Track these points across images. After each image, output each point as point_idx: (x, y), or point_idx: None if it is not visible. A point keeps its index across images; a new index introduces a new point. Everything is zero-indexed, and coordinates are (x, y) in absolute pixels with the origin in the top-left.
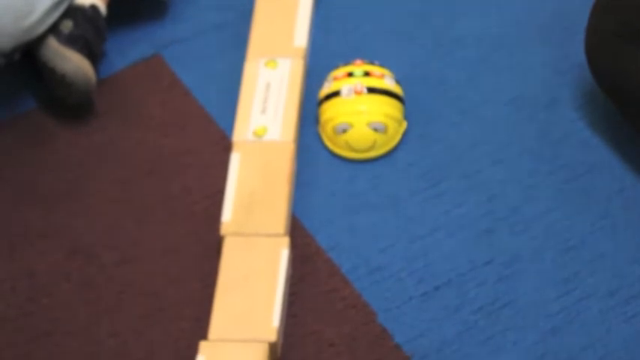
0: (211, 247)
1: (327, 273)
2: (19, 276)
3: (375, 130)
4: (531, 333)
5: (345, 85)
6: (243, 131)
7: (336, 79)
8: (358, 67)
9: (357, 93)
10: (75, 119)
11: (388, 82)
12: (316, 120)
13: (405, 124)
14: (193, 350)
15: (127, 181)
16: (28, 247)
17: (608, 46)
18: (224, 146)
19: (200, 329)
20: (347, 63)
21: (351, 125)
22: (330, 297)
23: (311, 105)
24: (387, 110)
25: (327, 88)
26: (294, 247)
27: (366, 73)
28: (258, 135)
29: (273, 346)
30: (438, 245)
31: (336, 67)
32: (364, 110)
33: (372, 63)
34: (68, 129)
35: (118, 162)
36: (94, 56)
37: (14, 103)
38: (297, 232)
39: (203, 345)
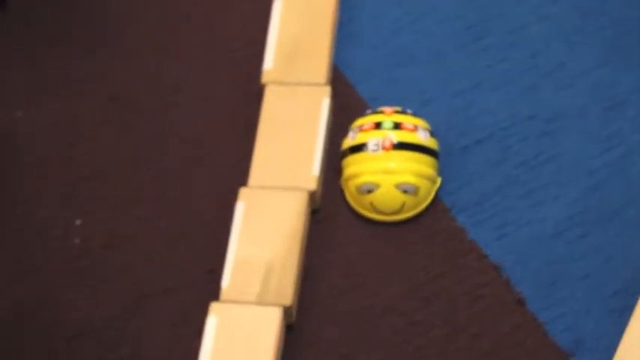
0: (252, 95)
1: None
2: (58, 121)
3: (405, 192)
4: (573, 188)
5: (372, 139)
6: None
7: (362, 130)
8: (388, 117)
9: (386, 149)
10: None
11: (421, 136)
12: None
13: (439, 181)
14: (233, 196)
15: (167, 27)
16: (67, 92)
17: None
18: None
19: (240, 176)
20: (375, 111)
21: (377, 186)
22: None
23: None
24: (418, 169)
25: (351, 139)
26: (335, 97)
27: (397, 125)
28: None
29: (312, 195)
30: (480, 99)
31: (363, 114)
32: (393, 169)
33: (404, 112)
34: None
35: (158, 7)
36: None
37: None
38: (339, 82)
39: (243, 191)
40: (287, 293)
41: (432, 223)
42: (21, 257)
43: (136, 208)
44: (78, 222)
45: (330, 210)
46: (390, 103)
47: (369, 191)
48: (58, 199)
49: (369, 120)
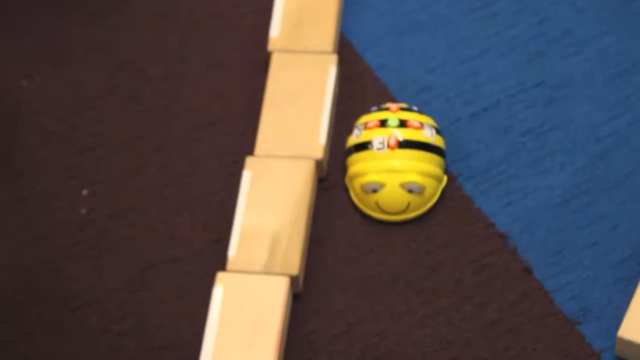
0: (258, 63)
1: (375, 92)
2: (64, 89)
3: (410, 191)
4: (579, 156)
5: (377, 137)
6: None
7: (367, 127)
8: (393, 115)
9: (391, 147)
10: None
11: (427, 134)
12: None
13: (445, 180)
14: (239, 165)
15: None
16: (72, 61)
17: None
18: None
19: (246, 145)
20: (380, 108)
21: (382, 185)
22: None
23: None
24: (424, 168)
25: (356, 137)
26: (342, 65)
27: (402, 123)
28: None
29: (319, 163)
30: (487, 66)
31: (368, 111)
32: (398, 168)
33: (409, 109)
34: None
35: None
36: None
37: None
38: (345, 50)
39: (249, 160)
40: (294, 262)
41: None
42: (26, 227)
43: (141, 178)
44: (84, 192)
45: (336, 179)
46: (396, 71)
47: (374, 191)
48: (63, 169)
49: (374, 117)
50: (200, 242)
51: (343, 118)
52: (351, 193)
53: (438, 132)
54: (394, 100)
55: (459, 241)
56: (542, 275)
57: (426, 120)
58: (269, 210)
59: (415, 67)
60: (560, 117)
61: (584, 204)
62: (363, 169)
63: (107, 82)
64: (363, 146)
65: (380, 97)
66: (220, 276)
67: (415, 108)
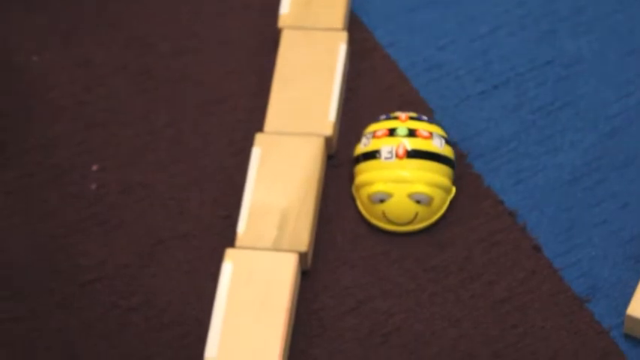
0: (268, 40)
1: (385, 69)
2: (74, 66)
3: (418, 202)
4: (590, 134)
5: (386, 146)
6: None
7: (375, 136)
8: (402, 124)
9: (399, 157)
10: None
11: (436, 144)
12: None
13: (453, 191)
14: (249, 142)
15: None
16: (82, 37)
17: None
18: None
19: (256, 121)
20: (389, 117)
21: (389, 195)
22: (388, 93)
23: None
24: (432, 178)
25: (364, 146)
26: (352, 42)
27: (411, 132)
28: None
29: (328, 141)
30: (498, 44)
31: (376, 120)
32: (406, 178)
33: (419, 119)
34: None
35: None
36: None
37: None
38: (356, 27)
39: (259, 137)
40: (303, 239)
41: None
42: (37, 202)
43: (151, 153)
44: (94, 167)
45: (345, 156)
46: (407, 48)
47: (382, 201)
48: (74, 144)
49: (382, 126)
50: (209, 218)
51: (353, 96)
52: (358, 203)
53: (447, 142)
54: (404, 79)
55: (468, 219)
56: (551, 253)
57: (436, 129)
58: (278, 187)
59: (425, 44)
60: (571, 95)
61: (594, 182)
62: (371, 178)
63: (118, 58)
64: (371, 155)
65: (390, 75)
66: (229, 252)
67: (424, 117)
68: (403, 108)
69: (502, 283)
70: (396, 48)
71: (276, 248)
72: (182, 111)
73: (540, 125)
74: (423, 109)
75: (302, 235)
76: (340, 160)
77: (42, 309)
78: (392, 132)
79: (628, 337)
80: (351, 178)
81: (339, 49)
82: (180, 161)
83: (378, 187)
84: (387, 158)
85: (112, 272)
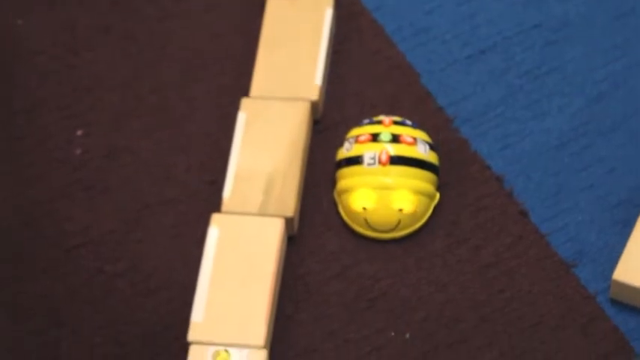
0: (255, 3)
1: (372, 33)
2: (59, 29)
3: (401, 209)
4: (577, 98)
5: (368, 152)
6: None
7: (358, 141)
8: (386, 129)
9: (382, 163)
10: None
11: (420, 150)
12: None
13: (437, 197)
14: (235, 107)
15: None
16: (67, 0)
17: None
18: None
19: (242, 86)
20: (372, 121)
21: (372, 202)
22: (374, 58)
23: None
24: (416, 185)
25: (346, 150)
26: (338, 6)
27: (395, 138)
28: None
29: (314, 105)
30: (485, 8)
31: (360, 124)
32: (389, 185)
33: (403, 123)
34: None
35: None
36: None
37: None
38: None
39: (245, 101)
40: (289, 204)
41: (434, 134)
42: (21, 166)
43: (136, 119)
44: (79, 132)
45: (332, 120)
46: (393, 12)
47: (364, 208)
48: (59, 108)
49: (365, 131)
50: (195, 183)
51: (339, 60)
52: (340, 209)
53: (432, 147)
54: (390, 43)
55: (454, 184)
56: (538, 218)
57: (420, 135)
58: (264, 151)
59: (412, 8)
60: (558, 59)
61: (580, 147)
62: (353, 184)
63: (102, 22)
64: (354, 161)
65: (377, 39)
66: (215, 217)
67: (408, 122)
68: (390, 73)
69: (489, 248)
70: (383, 12)
71: (262, 213)
72: (168, 76)
73: (527, 90)
74: (409, 73)
75: (288, 200)
76: (326, 125)
77: (27, 274)
78: (375, 137)
79: (614, 301)
80: (337, 141)
81: (326, 13)
82: (166, 126)
83: (361, 194)
84: (369, 164)
85: (98, 238)
